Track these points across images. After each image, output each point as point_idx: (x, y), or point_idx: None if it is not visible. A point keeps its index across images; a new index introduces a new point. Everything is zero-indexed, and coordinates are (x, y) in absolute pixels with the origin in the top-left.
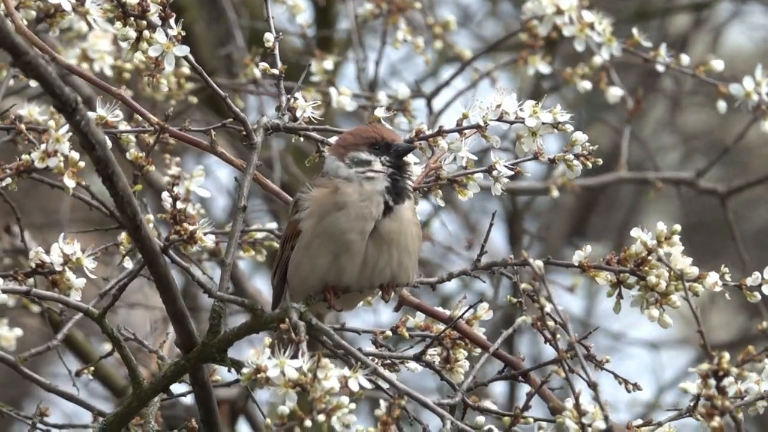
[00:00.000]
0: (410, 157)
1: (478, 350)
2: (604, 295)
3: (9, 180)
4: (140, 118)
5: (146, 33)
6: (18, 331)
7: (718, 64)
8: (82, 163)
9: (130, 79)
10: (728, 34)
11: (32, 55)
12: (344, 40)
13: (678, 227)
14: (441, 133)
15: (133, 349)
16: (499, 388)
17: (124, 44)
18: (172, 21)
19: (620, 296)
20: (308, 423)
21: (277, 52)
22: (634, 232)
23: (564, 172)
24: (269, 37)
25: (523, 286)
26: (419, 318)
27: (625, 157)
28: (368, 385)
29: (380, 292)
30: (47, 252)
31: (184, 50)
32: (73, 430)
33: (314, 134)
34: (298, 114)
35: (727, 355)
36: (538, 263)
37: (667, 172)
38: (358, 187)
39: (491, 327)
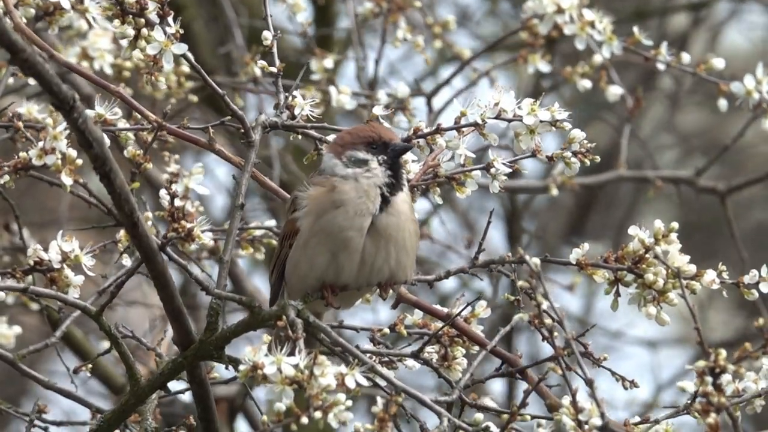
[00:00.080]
0: (408, 156)
1: (476, 348)
2: (602, 294)
3: (6, 177)
4: (139, 116)
5: (144, 31)
6: (17, 329)
7: (719, 63)
8: (79, 161)
9: (130, 77)
10: (726, 34)
11: (29, 53)
12: (344, 40)
13: (675, 225)
14: (439, 130)
15: (131, 347)
16: (498, 387)
17: (123, 42)
18: (170, 19)
19: (618, 294)
20: (305, 420)
21: (275, 50)
22: (632, 230)
23: (563, 171)
24: (267, 36)
25: (520, 283)
26: (417, 316)
27: (624, 155)
28: (365, 383)
29: (378, 290)
30: (45, 249)
31: (182, 48)
32: (71, 428)
33: (312, 132)
34: (297, 112)
35: (723, 352)
36: (535, 260)
37: (666, 171)
38: (355, 185)
39: (490, 326)
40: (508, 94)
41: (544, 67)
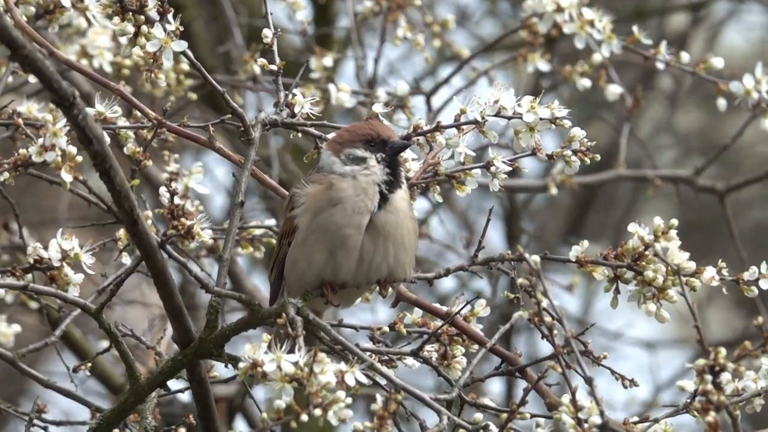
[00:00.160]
0: (407, 154)
1: (476, 347)
2: (601, 294)
3: (6, 174)
4: (139, 115)
5: (144, 28)
6: (16, 327)
7: (718, 62)
8: (79, 158)
9: (129, 75)
10: (724, 34)
11: (30, 49)
12: (343, 39)
13: (675, 222)
14: (439, 128)
15: (130, 346)
16: (496, 387)
17: (122, 39)
18: (170, 16)
19: (617, 291)
20: (305, 417)
21: (275, 48)
22: (632, 227)
23: (562, 170)
24: (268, 33)
25: (520, 281)
26: (416, 314)
27: (623, 154)
28: (365, 380)
29: (378, 288)
30: (45, 248)
31: (182, 45)
32: (70, 427)
33: (312, 130)
34: (297, 110)
35: (723, 351)
36: (535, 258)
37: (665, 170)
38: (353, 182)
39: (488, 326)
40: (507, 92)
41: (544, 66)
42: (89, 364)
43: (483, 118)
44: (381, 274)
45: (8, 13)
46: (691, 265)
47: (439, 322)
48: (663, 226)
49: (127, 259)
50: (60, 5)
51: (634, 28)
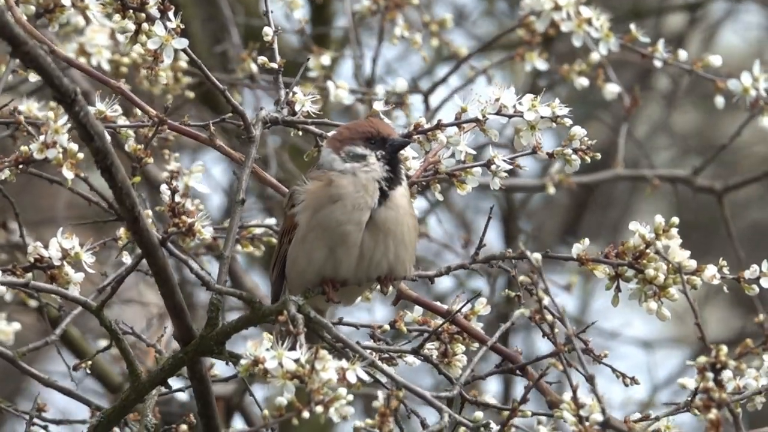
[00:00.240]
0: (408, 152)
1: (476, 345)
2: (598, 294)
3: (8, 172)
4: (139, 113)
5: (145, 26)
6: (16, 326)
7: (716, 60)
8: (80, 155)
9: (128, 73)
10: (721, 35)
11: (31, 46)
12: (341, 39)
13: (676, 220)
14: (440, 126)
15: (129, 344)
16: (494, 386)
17: (122, 37)
18: (170, 14)
19: (618, 289)
20: (306, 414)
21: (276, 45)
22: (633, 225)
23: (560, 170)
24: (268, 31)
25: (522, 278)
26: (417, 313)
27: (621, 154)
28: (366, 378)
29: (379, 286)
30: (45, 247)
31: (182, 43)
32: (69, 426)
33: (313, 128)
34: (297, 108)
35: (725, 348)
36: (536, 256)
37: (663, 170)
38: (353, 179)
39: (486, 324)
40: (508, 90)
41: (542, 64)
42: (89, 362)
43: (484, 116)
44: (381, 271)
45: (8, 12)
46: (692, 264)
47: (439, 321)
48: (664, 225)
49: (127, 258)
50: (60, 4)
51: (632, 26)
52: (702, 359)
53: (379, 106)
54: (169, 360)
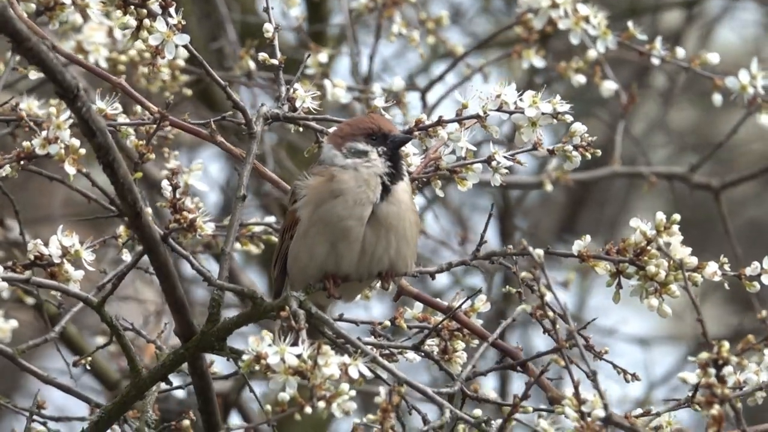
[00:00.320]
0: (409, 148)
1: (476, 342)
2: (595, 291)
3: (8, 169)
4: (139, 111)
5: (146, 22)
6: (14, 323)
7: (713, 57)
8: (82, 150)
9: (125, 71)
10: (718, 32)
11: (34, 42)
12: (337, 37)
13: (677, 217)
14: (441, 123)
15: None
16: (491, 382)
17: (121, 33)
18: (172, 10)
19: (619, 286)
20: (308, 410)
21: (276, 42)
22: (634, 222)
23: (557, 166)
24: (269, 28)
25: (524, 274)
26: (417, 309)
27: (619, 151)
28: (368, 373)
29: (380, 282)
30: (45, 244)
31: (184, 39)
32: (67, 423)
33: (313, 124)
34: (298, 104)
35: (726, 344)
36: (538, 252)
37: (660, 167)
38: (354, 174)
39: (484, 321)
40: (509, 87)
41: (539, 62)
42: (89, 359)
43: (485, 112)
44: (382, 266)
45: (10, 7)
46: (694, 260)
47: (439, 317)
48: (665, 222)
49: (126, 256)
50: (60, 2)
51: (629, 24)
52: (704, 355)
53: (380, 102)
54: (169, 356)
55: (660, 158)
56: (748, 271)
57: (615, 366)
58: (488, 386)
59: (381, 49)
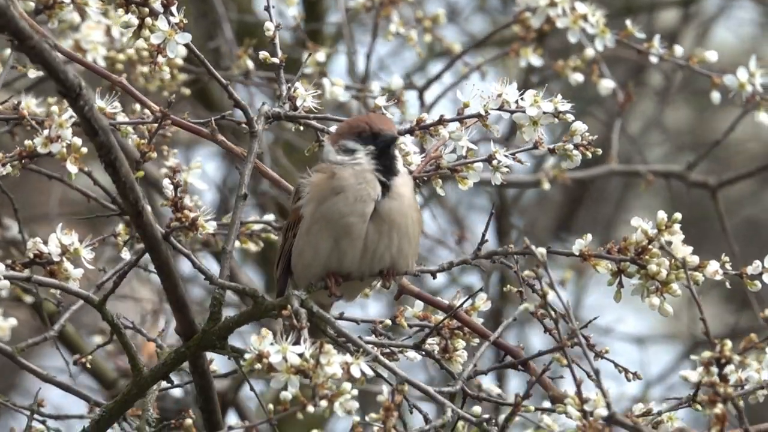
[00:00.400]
0: (409, 147)
1: (476, 341)
2: (591, 290)
3: (9, 168)
4: (138, 110)
5: (148, 20)
6: (13, 321)
7: (711, 55)
8: (84, 149)
9: (123, 70)
10: (714, 31)
11: (37, 40)
12: (333, 35)
13: (679, 216)
14: (442, 122)
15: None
16: (487, 381)
17: (120, 31)
18: (174, 8)
19: (620, 285)
20: (311, 408)
21: (277, 41)
22: (635, 221)
23: (555, 165)
24: (270, 26)
25: (526, 272)
26: (417, 308)
27: (615, 149)
28: (370, 372)
29: (381, 281)
30: (44, 243)
31: (186, 38)
32: (68, 421)
33: (314, 123)
34: (298, 103)
35: (729, 343)
36: (541, 251)
37: (657, 165)
38: (353, 171)
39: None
40: (511, 86)
41: (536, 61)
42: (89, 357)
43: (486, 111)
44: (384, 265)
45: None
46: (695, 259)
47: (439, 316)
48: (666, 221)
49: (126, 254)
50: (59, 1)
51: (628, 22)
52: (707, 354)
53: (381, 101)
54: (171, 354)
55: (656, 157)
56: (750, 270)
57: (616, 365)
58: (489, 384)
59: (377, 48)
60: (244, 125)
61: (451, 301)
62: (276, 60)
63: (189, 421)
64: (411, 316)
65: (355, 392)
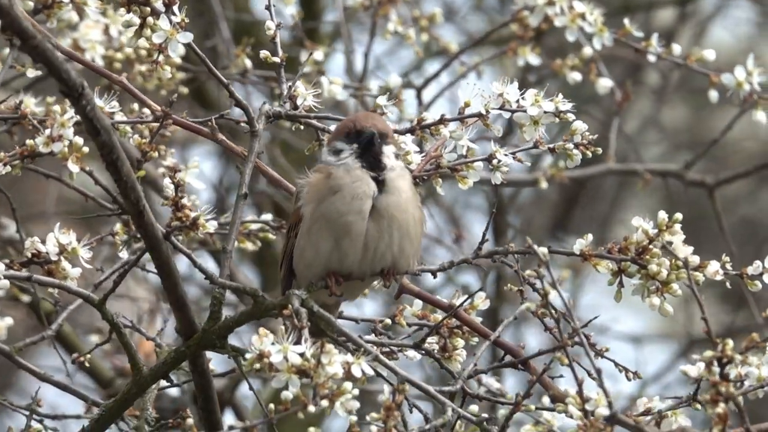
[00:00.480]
0: (409, 146)
1: (475, 340)
2: (587, 289)
3: (9, 168)
4: (136, 109)
5: (150, 20)
6: (9, 320)
7: (709, 54)
8: (86, 149)
9: (121, 69)
10: (711, 30)
11: (39, 40)
12: (330, 33)
13: (680, 216)
14: (443, 121)
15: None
16: (486, 378)
17: (119, 31)
18: (175, 8)
19: (621, 285)
20: (311, 408)
21: (278, 40)
22: (635, 221)
23: (552, 164)
24: (271, 25)
25: (528, 271)
26: (416, 307)
27: (613, 148)
28: (371, 372)
29: (381, 280)
30: (42, 242)
31: (188, 37)
32: (60, 421)
33: (315, 122)
34: (299, 102)
35: (731, 342)
36: (543, 250)
37: (654, 164)
38: (347, 169)
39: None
40: (512, 85)
41: (534, 59)
42: (88, 356)
43: (487, 110)
44: (385, 263)
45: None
46: (695, 259)
47: (438, 315)
48: (667, 221)
49: (123, 254)
50: (58, 0)
51: (626, 21)
52: (708, 353)
53: (381, 100)
54: (171, 354)
55: (652, 156)
56: (750, 270)
57: (617, 364)
58: (489, 381)
59: (374, 47)
60: (243, 124)
61: (451, 300)
62: (277, 59)
63: (190, 420)
64: (410, 315)
65: (356, 392)
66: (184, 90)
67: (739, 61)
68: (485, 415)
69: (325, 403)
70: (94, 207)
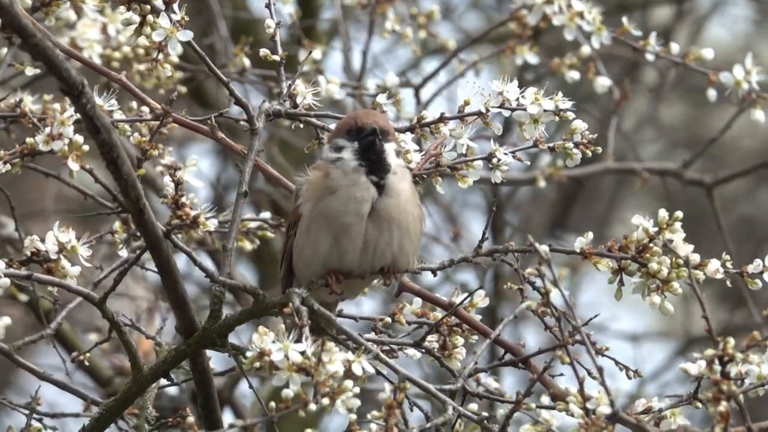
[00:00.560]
0: (409, 144)
1: (474, 338)
2: (585, 288)
3: (8, 166)
4: (135, 107)
5: (150, 18)
6: (7, 320)
7: (707, 53)
8: (86, 147)
9: (119, 68)
10: (708, 28)
11: (39, 38)
12: (327, 32)
13: (680, 214)
14: (443, 119)
15: (117, 340)
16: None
17: (118, 29)
18: (175, 6)
19: (621, 283)
20: (312, 406)
21: (278, 38)
22: (636, 219)
23: (551, 163)
24: (271, 24)
25: (529, 270)
26: (415, 305)
27: (611, 147)
28: (372, 370)
29: (381, 279)
30: (42, 240)
31: (188, 35)
32: (59, 420)
33: (314, 120)
34: (299, 100)
35: (732, 341)
36: (544, 248)
37: (652, 163)
38: (342, 171)
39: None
40: (512, 84)
41: (532, 58)
42: (87, 354)
43: (487, 109)
44: (385, 261)
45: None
46: (696, 258)
47: (437, 313)
48: (667, 219)
49: (123, 252)
50: None
51: (624, 20)
52: (710, 351)
53: (381, 99)
54: (171, 352)
55: (650, 154)
56: (750, 268)
57: (617, 362)
58: (488, 381)
59: (371, 45)
60: (243, 122)
61: (450, 298)
62: (277, 57)
63: (191, 419)
64: (409, 313)
65: (357, 390)
66: (183, 89)
67: (737, 60)
68: (486, 414)
69: (326, 401)
70: (93, 205)
